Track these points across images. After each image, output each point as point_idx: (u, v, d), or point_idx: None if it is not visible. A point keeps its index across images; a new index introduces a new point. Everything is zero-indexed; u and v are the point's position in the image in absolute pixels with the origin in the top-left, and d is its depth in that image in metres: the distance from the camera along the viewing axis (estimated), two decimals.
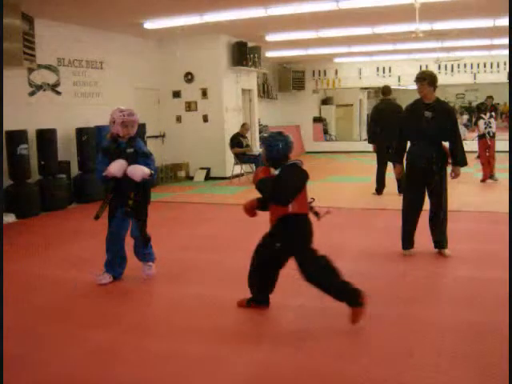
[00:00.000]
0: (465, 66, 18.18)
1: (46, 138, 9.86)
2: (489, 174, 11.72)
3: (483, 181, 11.77)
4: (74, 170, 10.71)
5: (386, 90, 10.73)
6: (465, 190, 10.47)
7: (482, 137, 11.90)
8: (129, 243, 5.62)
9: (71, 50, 10.98)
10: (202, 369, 3.63)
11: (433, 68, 17.51)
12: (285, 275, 4.56)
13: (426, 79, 5.97)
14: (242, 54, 13.57)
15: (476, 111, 16.83)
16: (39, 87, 10.30)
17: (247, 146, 13.06)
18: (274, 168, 4.28)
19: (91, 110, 11.21)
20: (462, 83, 20.12)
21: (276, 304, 4.66)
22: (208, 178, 13.59)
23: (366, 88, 22.59)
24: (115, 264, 5.55)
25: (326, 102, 22.60)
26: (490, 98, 15.65)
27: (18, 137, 9.29)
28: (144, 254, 5.68)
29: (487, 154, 11.70)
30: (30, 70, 9.98)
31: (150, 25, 11.26)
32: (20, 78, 9.85)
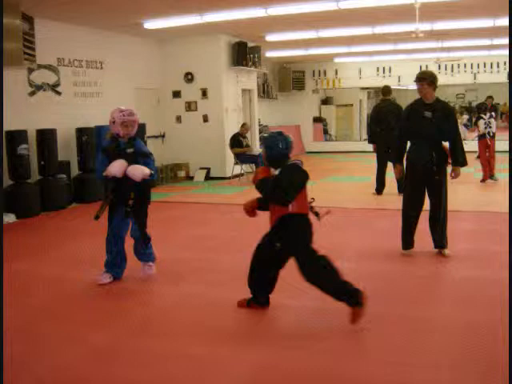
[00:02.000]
0: (465, 66, 18.17)
1: (46, 138, 9.86)
2: (489, 174, 11.71)
3: (483, 181, 11.76)
4: (74, 170, 10.72)
5: (385, 90, 10.72)
6: (465, 190, 10.46)
7: (482, 137, 11.89)
8: (129, 243, 5.63)
9: (71, 49, 10.97)
10: (202, 369, 3.63)
11: (433, 68, 17.47)
12: (285, 275, 4.56)
13: (426, 79, 5.97)
14: (242, 54, 13.57)
15: (476, 111, 16.83)
16: (39, 87, 10.29)
17: (247, 145, 13.05)
18: (274, 168, 4.28)
19: (91, 110, 11.21)
20: (462, 83, 20.12)
21: (276, 304, 4.65)
22: (208, 177, 13.59)
23: (366, 88, 22.59)
24: (115, 264, 5.55)
25: (326, 102, 22.60)
26: (490, 98, 15.63)
27: (18, 137, 9.30)
28: (144, 253, 5.68)
29: (487, 154, 11.71)
30: (30, 70, 9.99)
31: (150, 25, 11.25)
32: (20, 78, 9.85)
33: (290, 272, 4.43)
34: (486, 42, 14.64)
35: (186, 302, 4.97)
